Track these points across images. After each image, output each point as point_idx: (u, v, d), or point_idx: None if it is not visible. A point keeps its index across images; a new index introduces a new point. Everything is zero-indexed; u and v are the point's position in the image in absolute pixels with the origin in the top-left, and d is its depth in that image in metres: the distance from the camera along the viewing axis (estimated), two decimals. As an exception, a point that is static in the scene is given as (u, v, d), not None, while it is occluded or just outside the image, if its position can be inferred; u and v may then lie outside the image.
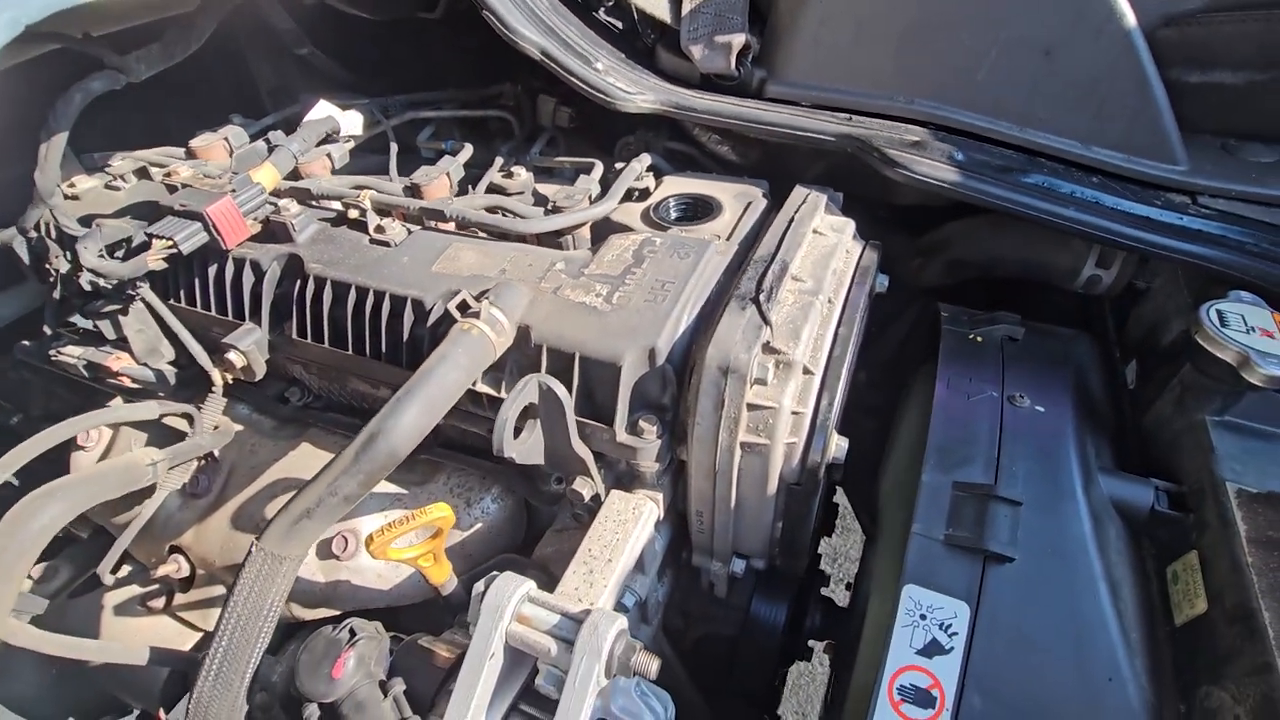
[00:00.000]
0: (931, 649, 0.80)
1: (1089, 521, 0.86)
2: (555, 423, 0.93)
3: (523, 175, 1.43)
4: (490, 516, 1.20)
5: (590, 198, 1.25)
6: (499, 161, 1.47)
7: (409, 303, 1.08)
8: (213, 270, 1.23)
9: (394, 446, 0.86)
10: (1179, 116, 1.20)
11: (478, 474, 1.21)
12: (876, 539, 1.25)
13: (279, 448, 1.30)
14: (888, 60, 1.27)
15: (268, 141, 1.36)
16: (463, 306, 0.98)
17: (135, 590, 1.35)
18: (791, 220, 1.14)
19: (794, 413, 0.94)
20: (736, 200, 1.29)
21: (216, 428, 1.23)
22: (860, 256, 1.15)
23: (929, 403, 1.13)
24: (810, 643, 1.49)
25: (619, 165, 1.40)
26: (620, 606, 1.02)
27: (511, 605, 0.84)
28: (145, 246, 1.14)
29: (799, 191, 1.25)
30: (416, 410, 0.87)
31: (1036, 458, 0.92)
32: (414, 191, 1.30)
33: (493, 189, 1.43)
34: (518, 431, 0.91)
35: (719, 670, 1.45)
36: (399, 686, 0.85)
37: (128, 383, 1.25)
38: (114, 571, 1.32)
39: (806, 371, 0.96)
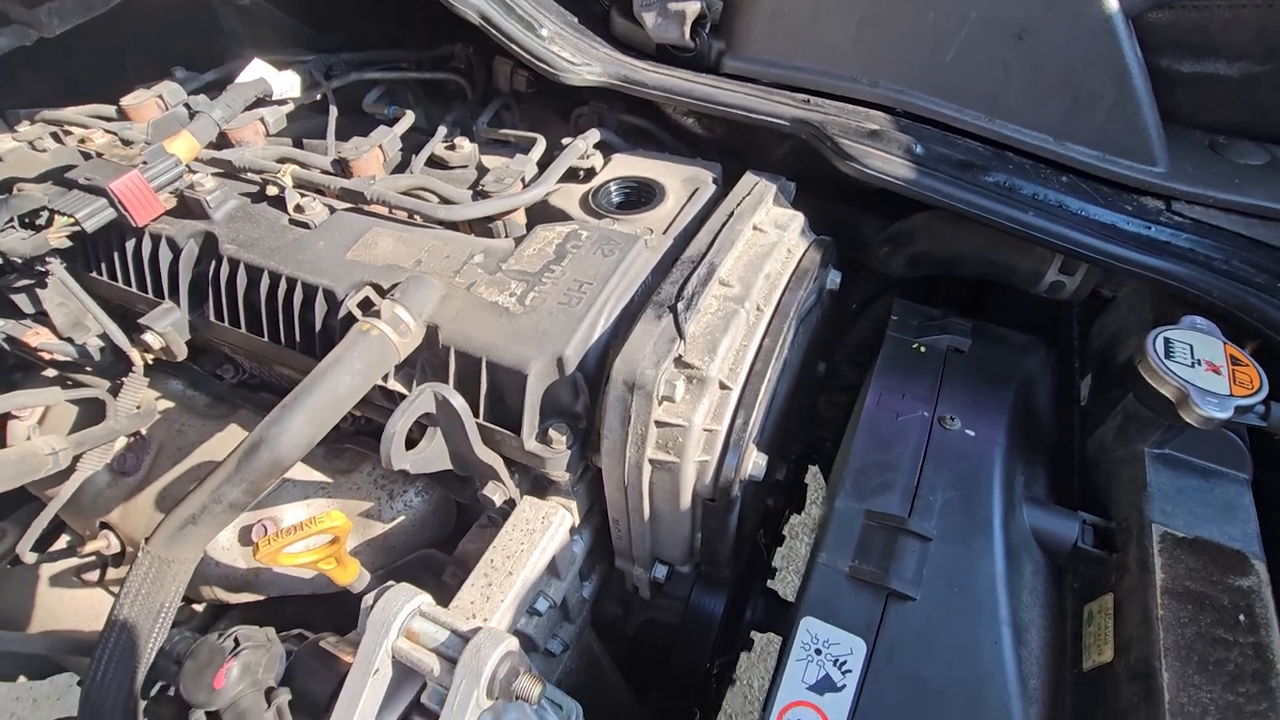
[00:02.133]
0: (823, 685, 0.77)
1: (1001, 559, 0.82)
2: (456, 432, 0.89)
3: (466, 148, 1.35)
4: (414, 510, 1.18)
5: (524, 180, 1.17)
6: (442, 132, 1.38)
7: (320, 292, 1.03)
8: (129, 246, 1.17)
9: (278, 456, 0.82)
10: (1168, 108, 1.10)
11: (401, 466, 1.18)
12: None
13: (207, 428, 1.28)
14: (849, 38, 1.17)
15: (188, 107, 1.29)
16: (365, 304, 0.93)
17: (73, 561, 1.36)
18: (730, 216, 1.07)
19: (706, 430, 0.89)
20: (684, 186, 1.21)
21: (139, 408, 1.20)
22: (802, 257, 1.08)
23: None
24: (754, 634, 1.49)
25: (566, 141, 1.32)
26: (532, 612, 1.00)
27: (399, 620, 0.81)
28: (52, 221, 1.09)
29: (747, 180, 1.17)
30: (303, 419, 0.83)
31: (957, 486, 0.87)
32: (342, 167, 1.23)
33: (434, 162, 1.36)
34: (414, 442, 0.88)
35: (659, 658, 1.45)
36: (284, 696, 0.83)
37: (48, 358, 1.21)
38: (43, 547, 1.33)
39: (723, 387, 0.90)
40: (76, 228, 1.05)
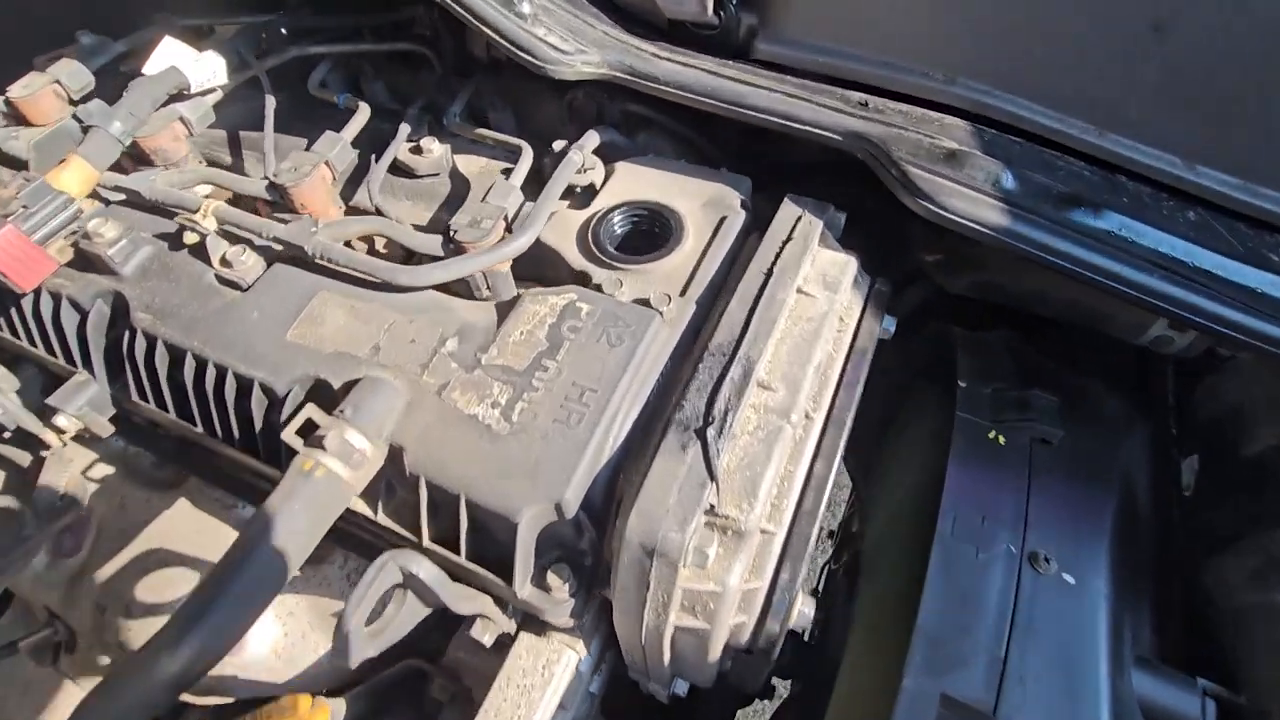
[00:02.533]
0: None
1: (1109, 760, 0.67)
2: (429, 595, 0.72)
3: (435, 151, 1.09)
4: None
5: (507, 217, 0.93)
6: (404, 131, 1.12)
7: (256, 385, 0.83)
8: (27, 308, 0.95)
9: (200, 660, 0.65)
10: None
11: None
12: (859, 585, 1.07)
13: (152, 505, 1.10)
14: (921, 19, 0.89)
15: (80, 121, 1.01)
16: (307, 427, 0.73)
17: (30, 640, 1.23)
18: (768, 277, 0.84)
19: (745, 589, 0.72)
20: (705, 213, 0.97)
21: (63, 496, 1.02)
22: (857, 328, 0.86)
23: (933, 452, 0.90)
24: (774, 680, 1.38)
25: (557, 147, 1.06)
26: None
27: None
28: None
29: (786, 214, 0.93)
30: (230, 608, 0.65)
31: (1055, 660, 0.70)
32: (279, 196, 0.98)
33: (398, 169, 1.10)
34: (379, 610, 0.70)
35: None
36: None
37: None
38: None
39: (764, 532, 0.72)
40: (-59, 304, 0.83)
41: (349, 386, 0.79)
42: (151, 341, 0.88)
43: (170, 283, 0.91)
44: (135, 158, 1.08)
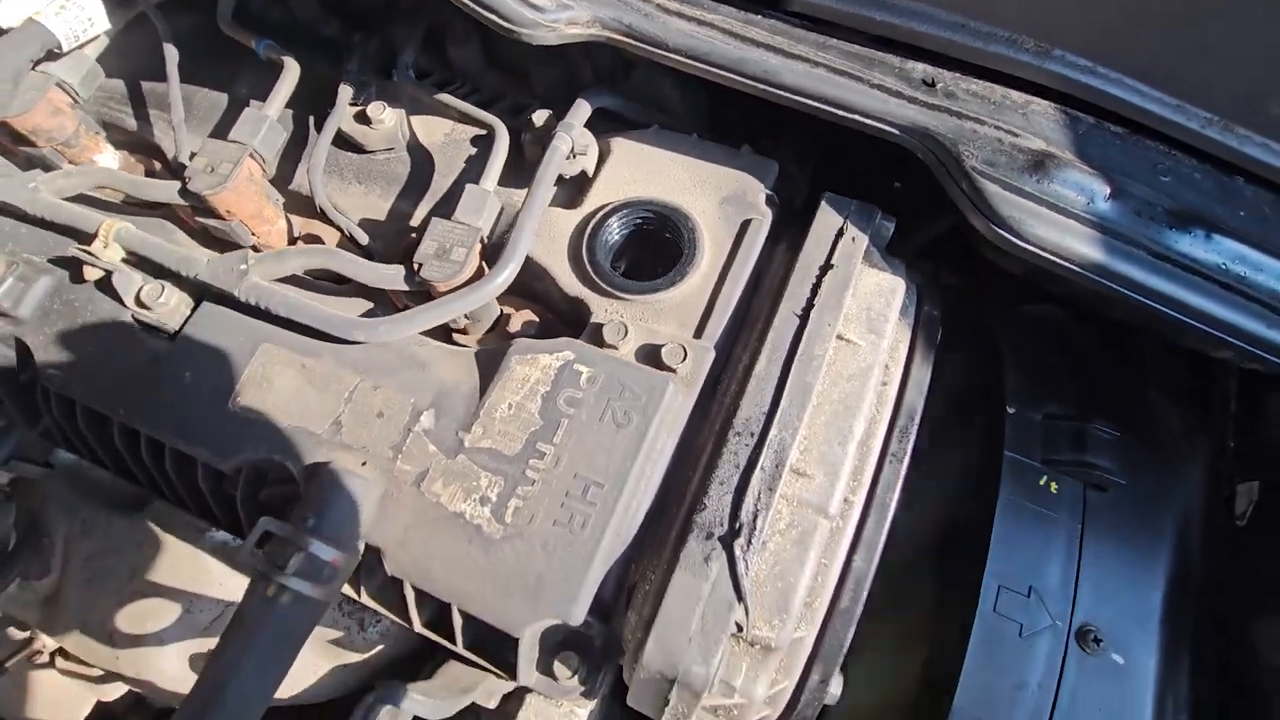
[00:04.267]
0: None
1: None
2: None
3: (387, 122, 0.89)
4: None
5: (484, 239, 0.76)
6: (345, 94, 0.90)
7: (199, 466, 0.71)
8: (-89, 346, 0.80)
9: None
10: None
11: (370, 592, 0.96)
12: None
13: (115, 529, 1.02)
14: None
15: (-78, 108, 0.79)
16: (265, 539, 0.62)
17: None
18: (803, 323, 0.70)
19: (772, 694, 0.66)
20: (723, 215, 0.80)
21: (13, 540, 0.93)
22: (904, 381, 0.73)
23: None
24: None
25: (538, 120, 0.85)
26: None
27: None
28: None
29: (824, 227, 0.77)
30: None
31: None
32: (196, 201, 0.79)
33: (344, 142, 0.90)
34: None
35: None
36: None
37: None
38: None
39: (795, 638, 0.64)
40: None
41: (309, 472, 0.67)
42: (68, 407, 0.75)
43: (79, 327, 0.76)
44: (12, 139, 0.86)
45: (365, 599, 0.73)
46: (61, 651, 1.12)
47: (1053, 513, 0.77)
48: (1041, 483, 0.78)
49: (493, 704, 0.79)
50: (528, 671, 0.68)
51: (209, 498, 0.74)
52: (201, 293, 0.75)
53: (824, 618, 0.66)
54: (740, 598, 0.59)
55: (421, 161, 0.91)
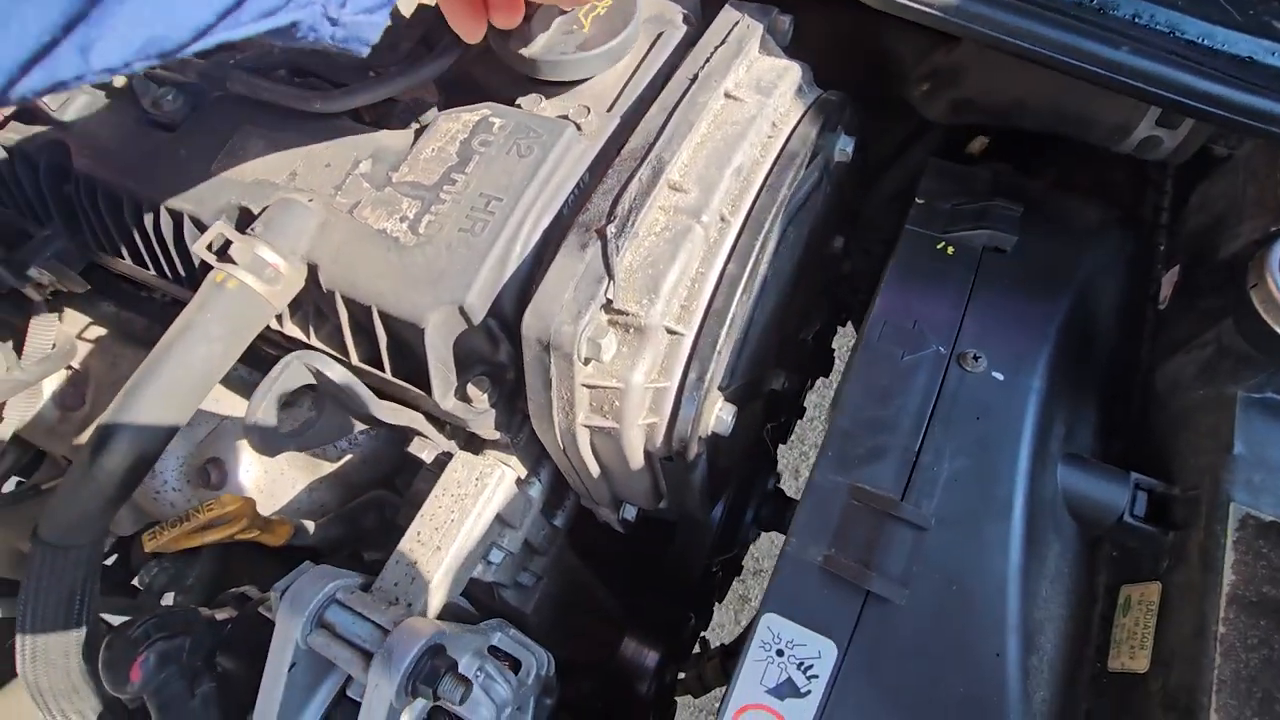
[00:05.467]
0: (784, 690, 0.66)
1: (1018, 550, 0.65)
2: (350, 400, 0.74)
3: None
4: (362, 446, 1.07)
5: (427, 39, 0.89)
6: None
7: (186, 220, 0.84)
8: (-18, 160, 0.98)
9: (139, 451, 0.69)
10: None
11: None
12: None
13: (139, 359, 1.16)
14: None
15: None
16: (221, 247, 0.74)
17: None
18: (692, 82, 0.78)
19: (651, 387, 0.71)
20: (642, 30, 0.90)
21: (54, 346, 1.09)
22: (791, 132, 0.80)
23: None
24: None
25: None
26: (486, 564, 0.92)
27: (311, 610, 0.73)
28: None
29: (724, 20, 0.86)
30: (154, 404, 0.69)
31: (972, 452, 0.68)
32: (207, 36, 0.96)
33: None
34: (296, 415, 0.73)
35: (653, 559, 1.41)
36: (208, 685, 0.79)
37: (-52, 295, 1.09)
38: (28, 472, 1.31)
39: (671, 332, 0.70)
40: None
41: (260, 216, 0.79)
42: (92, 186, 0.90)
43: (107, 126, 0.92)
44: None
45: (314, 340, 0.83)
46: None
47: (946, 267, 0.80)
48: (939, 247, 0.82)
49: (427, 456, 0.86)
50: (442, 383, 0.76)
51: (199, 260, 0.86)
52: (200, 91, 0.91)
53: (700, 322, 0.71)
54: (609, 273, 0.66)
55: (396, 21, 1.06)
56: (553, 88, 0.86)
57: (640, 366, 0.69)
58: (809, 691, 0.66)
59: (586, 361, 0.67)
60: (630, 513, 0.99)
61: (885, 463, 0.69)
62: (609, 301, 0.67)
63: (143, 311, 1.21)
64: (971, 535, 0.65)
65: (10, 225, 1.05)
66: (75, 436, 1.20)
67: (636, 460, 0.78)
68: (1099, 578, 0.71)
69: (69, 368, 1.18)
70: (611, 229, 0.68)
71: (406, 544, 0.81)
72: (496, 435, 0.82)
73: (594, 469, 0.82)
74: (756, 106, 0.79)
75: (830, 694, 0.65)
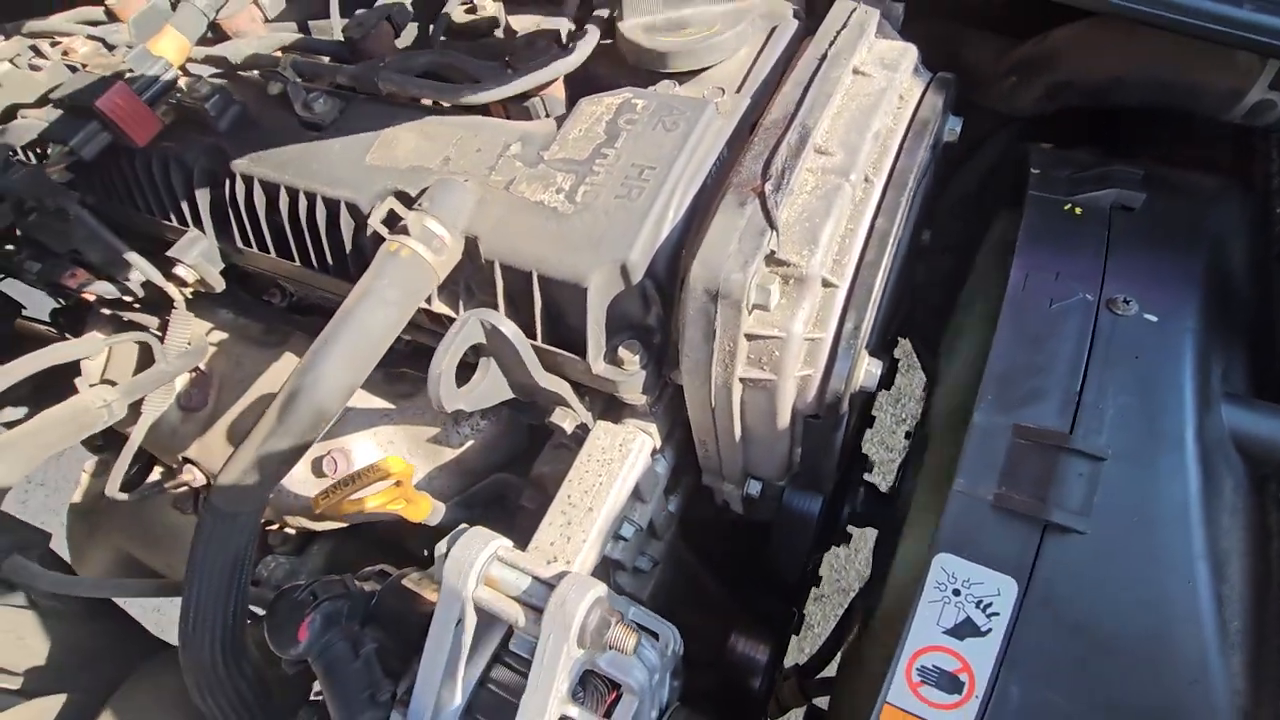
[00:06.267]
0: (964, 629, 0.66)
1: (1196, 478, 0.65)
2: (512, 361, 0.77)
3: (489, 7, 1.13)
4: (483, 433, 1.10)
5: (559, 38, 0.96)
6: (456, -10, 1.16)
7: (342, 206, 0.90)
8: (139, 170, 1.06)
9: (319, 406, 0.73)
10: None
11: (464, 388, 1.09)
12: (928, 435, 1.08)
13: (263, 358, 1.22)
14: None
15: (169, -3, 1.11)
16: (391, 219, 0.79)
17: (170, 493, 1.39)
18: (823, 59, 0.83)
19: (808, 339, 0.73)
20: (755, 25, 0.96)
21: (189, 344, 1.14)
22: (919, 103, 0.85)
23: (1003, 280, 0.89)
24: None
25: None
26: (618, 539, 0.93)
27: (477, 568, 0.75)
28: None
29: (840, 8, 0.91)
30: (337, 365, 0.73)
31: (1136, 390, 0.69)
32: (350, 49, 1.04)
33: (454, 32, 1.15)
34: (468, 375, 0.76)
35: (754, 552, 1.40)
36: (371, 645, 0.80)
37: (90, 299, 1.16)
38: (135, 483, 1.35)
39: (827, 284, 0.73)
40: (74, 157, 0.94)
41: (422, 194, 0.85)
42: (249, 184, 0.97)
43: (261, 131, 1.00)
44: (216, 39, 1.16)
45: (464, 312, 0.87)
46: (205, 489, 1.30)
47: (1077, 225, 0.82)
48: (1065, 208, 0.85)
49: (568, 426, 0.89)
50: (597, 344, 0.79)
51: (348, 247, 0.92)
52: (349, 100, 0.98)
53: (853, 274, 0.74)
54: (771, 225, 0.70)
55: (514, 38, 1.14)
56: (680, 77, 0.91)
57: (800, 316, 0.72)
58: (990, 630, 0.65)
59: (753, 310, 0.70)
60: (755, 488, 1.00)
61: (1047, 403, 0.70)
62: (772, 253, 0.70)
63: (260, 317, 1.28)
64: (1147, 466, 0.66)
65: (151, 231, 1.12)
66: (199, 435, 1.24)
67: (784, 417, 0.80)
68: (1271, 518, 0.71)
69: (192, 370, 1.23)
70: (769, 186, 0.72)
71: (558, 507, 0.83)
72: (641, 399, 0.84)
73: (736, 432, 0.83)
74: (885, 80, 0.83)
75: (1013, 630, 0.65)
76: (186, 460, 1.27)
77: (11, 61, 1.11)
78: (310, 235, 0.95)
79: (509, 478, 1.09)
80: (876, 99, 0.81)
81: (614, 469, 0.84)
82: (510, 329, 0.73)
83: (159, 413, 1.14)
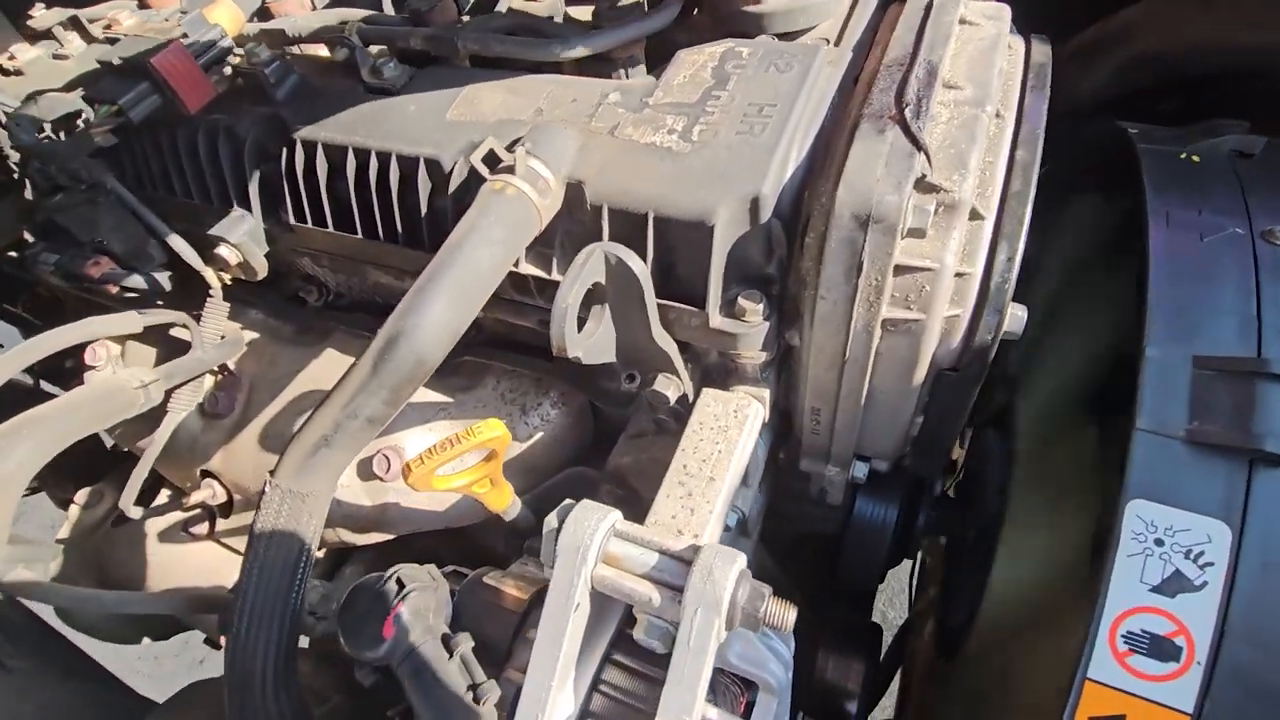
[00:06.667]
0: (1173, 585, 0.58)
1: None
2: (630, 307, 0.70)
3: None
4: (551, 424, 1.00)
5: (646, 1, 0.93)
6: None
7: (421, 164, 0.83)
8: (182, 144, 0.98)
9: (421, 352, 0.64)
10: None
11: (532, 375, 1.01)
12: (1014, 414, 1.02)
13: (300, 357, 1.12)
14: None
15: (223, -30, 1.06)
16: (491, 159, 0.73)
17: (178, 516, 1.25)
18: (928, 9, 0.81)
19: (958, 274, 0.68)
20: (841, -9, 0.95)
21: (223, 337, 1.04)
22: (1028, 53, 0.83)
23: (1088, 236, 0.85)
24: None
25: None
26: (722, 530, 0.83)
27: (596, 544, 0.65)
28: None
29: (931, -30, 0.90)
30: (444, 303, 0.64)
31: (1318, 312, 0.64)
32: (415, 20, 1.00)
33: (513, 11, 1.12)
34: (581, 323, 0.68)
35: (818, 571, 1.30)
36: (466, 644, 0.68)
37: (115, 291, 1.06)
38: (145, 501, 1.22)
39: (974, 216, 0.68)
40: (121, 118, 0.87)
41: (517, 143, 0.79)
42: (310, 150, 0.90)
43: (321, 100, 0.94)
44: (261, 18, 1.12)
45: (556, 275, 0.79)
46: (225, 509, 1.17)
47: (1201, 170, 0.80)
48: (1182, 156, 0.82)
49: (672, 394, 0.80)
50: (717, 290, 0.72)
51: (423, 210, 0.85)
52: (420, 58, 0.93)
53: (999, 203, 0.70)
54: (919, 147, 0.65)
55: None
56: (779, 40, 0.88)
57: (952, 246, 0.66)
58: (1205, 583, 0.58)
59: (906, 236, 0.65)
60: (862, 471, 0.92)
61: (1224, 329, 0.65)
62: (923, 176, 0.65)
63: (291, 318, 1.18)
64: (1355, 388, 0.60)
65: (184, 215, 1.04)
66: (224, 444, 1.12)
67: (922, 369, 0.73)
68: None
69: (219, 371, 1.12)
70: (909, 111, 0.67)
71: (674, 478, 0.74)
72: (761, 356, 0.77)
73: (864, 391, 0.76)
74: (994, 29, 0.81)
75: (1233, 583, 0.57)
76: (205, 474, 1.15)
77: (60, 49, 1.04)
78: (379, 200, 0.87)
79: (586, 471, 0.99)
80: (992, 43, 0.79)
81: (731, 436, 0.76)
82: (638, 265, 0.66)
83: (188, 410, 1.02)
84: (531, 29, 0.92)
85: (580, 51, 0.85)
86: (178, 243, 0.97)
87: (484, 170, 0.72)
